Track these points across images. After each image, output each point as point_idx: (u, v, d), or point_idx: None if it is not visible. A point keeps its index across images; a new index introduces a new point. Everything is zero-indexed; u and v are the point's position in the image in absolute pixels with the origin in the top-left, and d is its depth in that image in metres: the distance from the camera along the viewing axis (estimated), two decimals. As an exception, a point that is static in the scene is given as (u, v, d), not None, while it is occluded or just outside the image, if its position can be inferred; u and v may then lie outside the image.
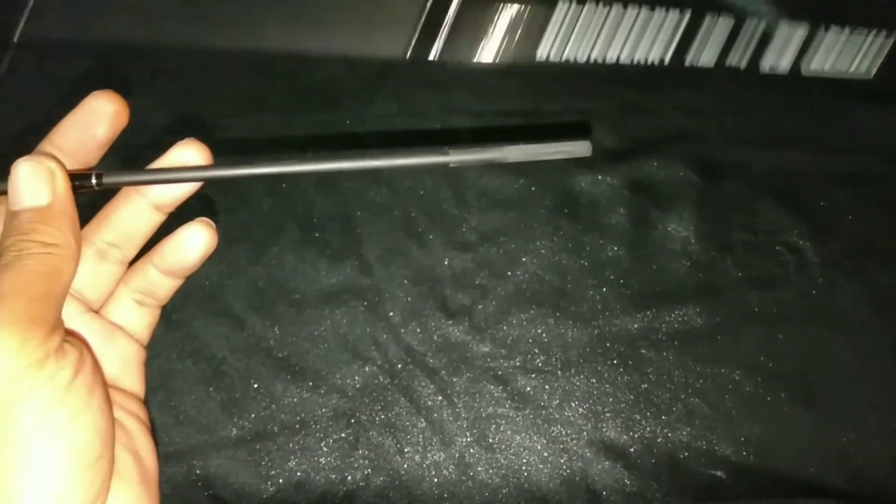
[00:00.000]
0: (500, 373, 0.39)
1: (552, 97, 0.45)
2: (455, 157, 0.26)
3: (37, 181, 0.25)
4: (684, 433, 0.38)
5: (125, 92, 0.45)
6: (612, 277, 0.41)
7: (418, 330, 0.40)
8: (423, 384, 0.39)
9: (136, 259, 0.30)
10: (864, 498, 0.37)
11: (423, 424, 0.38)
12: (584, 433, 0.38)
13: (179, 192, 0.29)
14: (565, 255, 0.41)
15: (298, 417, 0.38)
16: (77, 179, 0.26)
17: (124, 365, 0.29)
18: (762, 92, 0.45)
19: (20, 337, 0.22)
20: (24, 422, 0.22)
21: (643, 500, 0.37)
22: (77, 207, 0.26)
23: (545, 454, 0.38)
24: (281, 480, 0.37)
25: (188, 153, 0.28)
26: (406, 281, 0.40)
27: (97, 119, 0.28)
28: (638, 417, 0.38)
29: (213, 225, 0.29)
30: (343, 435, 0.38)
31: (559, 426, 0.38)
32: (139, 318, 0.30)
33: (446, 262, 0.41)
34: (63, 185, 0.26)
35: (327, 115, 0.44)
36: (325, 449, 0.37)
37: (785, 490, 0.37)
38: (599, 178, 0.43)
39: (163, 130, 0.43)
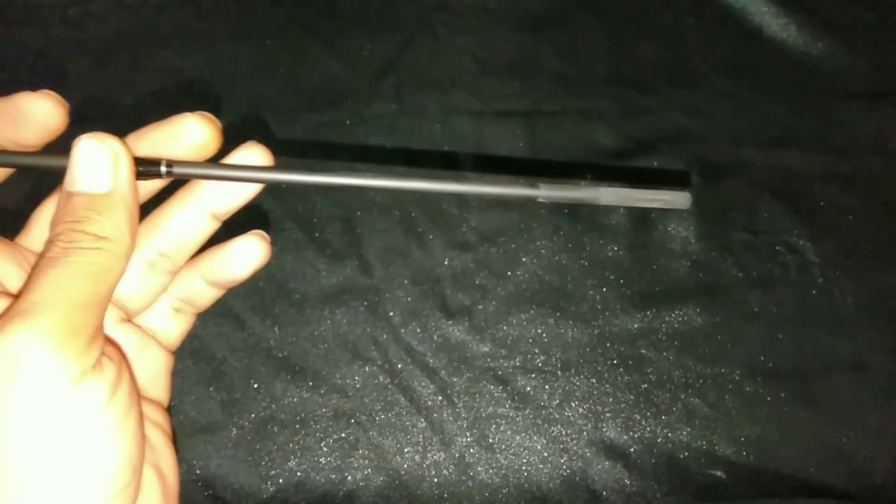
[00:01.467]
0: (500, 373, 0.39)
1: (552, 97, 0.45)
2: (545, 193, 0.25)
3: (99, 164, 0.23)
4: (684, 433, 0.38)
5: (125, 92, 0.45)
6: (612, 277, 0.41)
7: (418, 330, 0.40)
8: (423, 384, 0.39)
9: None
10: (864, 498, 0.37)
11: (423, 424, 0.38)
12: (584, 433, 0.38)
13: (240, 198, 0.27)
14: (565, 255, 0.41)
15: (298, 417, 0.38)
16: (143, 166, 0.24)
17: (154, 375, 0.28)
18: (762, 92, 0.45)
19: (57, 349, 0.20)
20: (51, 444, 0.21)
21: (643, 500, 0.37)
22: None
23: (545, 454, 0.38)
24: (281, 480, 0.37)
25: (252, 155, 0.26)
26: (406, 281, 0.40)
27: (27, 122, 0.24)
28: (638, 417, 0.38)
29: (268, 238, 0.27)
30: (343, 435, 0.38)
31: (559, 426, 0.38)
32: (174, 326, 0.29)
33: (446, 262, 0.41)
34: (127, 172, 0.23)
35: (327, 115, 0.44)
36: (325, 449, 0.37)
37: (785, 490, 0.37)
38: (599, 178, 0.43)
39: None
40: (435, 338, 0.39)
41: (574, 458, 0.38)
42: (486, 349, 0.39)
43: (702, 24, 0.47)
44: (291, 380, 0.38)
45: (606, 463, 0.37)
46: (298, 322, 0.39)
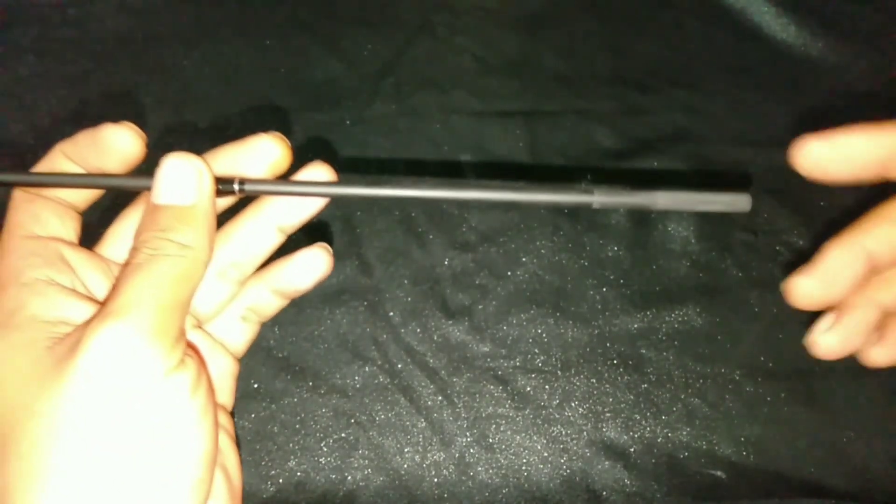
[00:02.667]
0: (500, 373, 0.39)
1: (552, 97, 0.45)
2: (599, 199, 0.25)
3: (184, 179, 0.25)
4: (684, 433, 0.38)
5: (125, 92, 0.45)
6: (612, 277, 0.41)
7: (418, 330, 0.40)
8: (423, 384, 0.39)
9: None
10: (864, 498, 0.37)
11: (423, 424, 0.38)
12: (584, 433, 0.38)
13: (306, 214, 0.29)
14: (565, 255, 0.41)
15: (298, 417, 0.38)
16: (220, 183, 0.26)
17: (220, 380, 0.29)
18: (762, 92, 0.45)
19: (149, 344, 0.22)
20: (136, 438, 0.22)
21: (643, 500, 0.37)
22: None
23: (545, 454, 0.38)
24: (281, 480, 0.37)
25: (317, 173, 0.28)
26: (406, 281, 0.40)
27: (109, 151, 0.27)
28: (638, 417, 0.38)
29: (331, 250, 0.29)
30: (343, 435, 0.38)
31: (559, 426, 0.38)
32: (240, 334, 0.30)
33: (446, 262, 0.41)
34: (209, 187, 0.25)
35: (327, 115, 0.44)
36: (325, 449, 0.37)
37: (785, 490, 0.37)
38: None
39: (163, 130, 0.43)
40: (435, 338, 0.39)
41: (574, 458, 0.38)
42: (486, 349, 0.39)
43: (702, 24, 0.47)
44: (291, 380, 0.38)
45: (606, 463, 0.38)
46: (298, 322, 0.39)
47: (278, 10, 0.47)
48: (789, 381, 0.39)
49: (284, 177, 0.28)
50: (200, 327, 0.29)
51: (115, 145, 0.26)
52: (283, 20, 0.46)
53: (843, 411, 0.38)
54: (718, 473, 0.37)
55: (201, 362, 0.25)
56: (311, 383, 0.38)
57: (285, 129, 0.43)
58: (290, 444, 0.37)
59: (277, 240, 0.29)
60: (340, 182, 0.27)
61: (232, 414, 0.30)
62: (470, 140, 0.43)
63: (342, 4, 0.47)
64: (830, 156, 0.25)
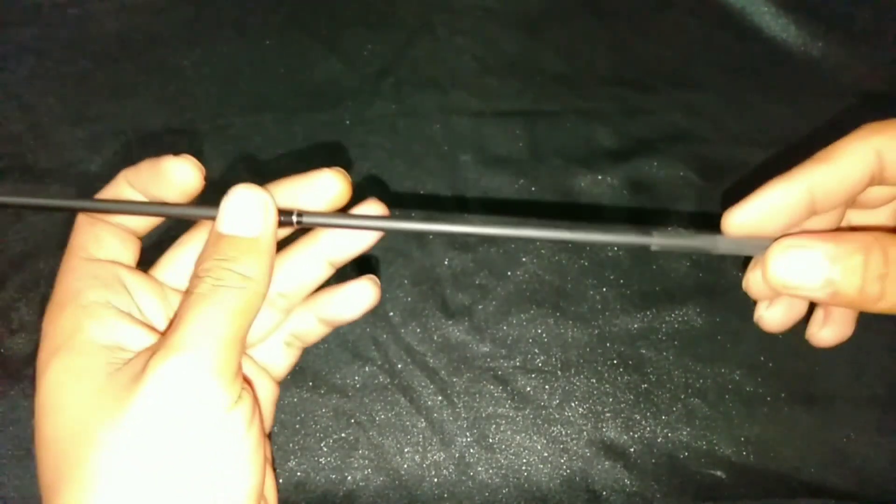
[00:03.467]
0: (500, 373, 0.39)
1: (552, 97, 0.45)
2: (658, 241, 0.25)
3: (251, 211, 0.25)
4: (684, 433, 0.38)
5: (125, 92, 0.45)
6: (612, 277, 0.41)
7: (418, 330, 0.40)
8: (423, 384, 0.39)
9: None
10: (864, 498, 0.37)
11: (423, 424, 0.38)
12: (584, 433, 0.38)
13: (357, 249, 0.29)
14: (565, 255, 0.41)
15: (298, 417, 0.38)
16: (280, 214, 0.26)
17: (264, 406, 0.29)
18: (762, 92, 0.45)
19: (214, 380, 0.22)
20: (194, 472, 0.22)
21: (643, 500, 0.37)
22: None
23: (545, 454, 0.38)
24: (281, 480, 0.37)
25: (371, 209, 0.28)
26: (406, 281, 0.40)
27: (169, 182, 0.27)
28: (638, 417, 0.38)
29: (378, 283, 0.29)
30: (343, 435, 0.38)
31: (559, 426, 0.38)
32: (283, 359, 0.30)
33: (446, 262, 0.41)
34: (273, 220, 0.25)
35: (327, 115, 0.44)
36: (325, 449, 0.37)
37: (785, 490, 0.37)
38: (599, 177, 0.43)
39: (163, 130, 0.43)
40: (435, 338, 0.39)
41: (574, 458, 0.38)
42: (486, 349, 0.39)
43: (702, 24, 0.47)
44: (291, 380, 0.38)
45: (606, 463, 0.37)
46: (298, 322, 0.39)
47: (278, 10, 0.47)
48: (789, 381, 0.39)
49: (341, 210, 0.28)
50: (246, 353, 0.29)
51: (176, 177, 0.26)
52: (283, 20, 0.46)
53: (843, 411, 0.38)
54: (718, 473, 0.37)
55: (255, 396, 0.25)
56: (311, 383, 0.38)
57: (285, 129, 0.43)
58: (290, 444, 0.37)
59: (327, 273, 0.30)
60: (394, 217, 0.28)
61: (270, 437, 0.30)
62: (470, 140, 0.43)
63: (342, 4, 0.47)
64: (756, 220, 0.25)
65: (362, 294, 0.29)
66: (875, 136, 0.24)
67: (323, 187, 0.28)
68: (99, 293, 0.25)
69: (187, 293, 0.24)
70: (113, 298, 0.25)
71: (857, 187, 0.24)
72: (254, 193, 0.25)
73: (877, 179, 0.24)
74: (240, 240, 0.25)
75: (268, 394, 0.30)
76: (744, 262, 0.41)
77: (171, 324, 0.24)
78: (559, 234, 0.25)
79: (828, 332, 0.29)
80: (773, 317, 0.29)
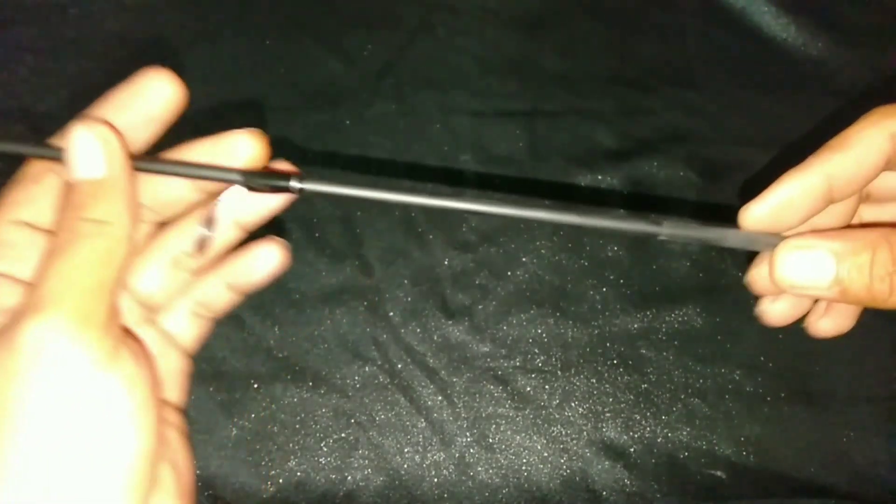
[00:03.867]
0: (500, 373, 0.39)
1: (552, 97, 0.45)
2: (668, 231, 0.25)
3: (91, 150, 0.23)
4: (684, 433, 0.38)
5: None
6: (612, 277, 0.41)
7: (418, 330, 0.40)
8: (423, 384, 0.39)
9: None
10: (864, 498, 0.37)
11: (423, 424, 0.38)
12: (584, 433, 0.38)
13: (265, 211, 0.28)
14: (565, 255, 0.41)
15: (298, 417, 0.38)
16: (274, 179, 0.25)
17: (171, 377, 0.29)
18: (762, 92, 0.45)
19: (72, 338, 0.21)
20: (74, 432, 0.21)
21: (643, 500, 0.37)
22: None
23: (545, 454, 0.38)
24: (281, 480, 0.37)
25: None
26: (406, 281, 0.40)
27: (151, 101, 0.26)
28: (638, 417, 0.38)
29: (287, 244, 0.28)
30: (343, 435, 0.38)
31: (559, 426, 0.38)
32: (192, 330, 0.29)
33: (446, 262, 0.41)
34: (118, 156, 0.24)
35: (327, 115, 0.44)
36: (325, 449, 0.37)
37: (785, 490, 0.37)
38: (599, 178, 0.43)
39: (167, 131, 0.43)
40: (435, 338, 0.39)
41: (574, 458, 0.38)
42: (486, 349, 0.39)
43: (702, 24, 0.47)
44: (291, 380, 0.38)
45: (606, 463, 0.37)
46: (298, 322, 0.39)
47: (278, 10, 0.46)
48: (789, 381, 0.39)
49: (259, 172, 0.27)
50: (152, 321, 0.28)
51: (154, 92, 0.26)
52: (283, 20, 0.46)
53: (843, 411, 0.38)
54: (718, 473, 0.37)
55: (143, 354, 0.24)
56: (311, 383, 0.38)
57: (285, 128, 0.43)
58: (290, 444, 0.37)
59: (237, 236, 0.28)
60: (387, 187, 0.27)
61: (184, 412, 0.29)
62: (470, 140, 0.43)
63: (342, 4, 0.47)
64: (775, 214, 0.25)
65: (268, 257, 0.28)
66: (887, 119, 0.24)
67: (237, 149, 0.27)
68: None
69: (45, 250, 0.23)
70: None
71: (874, 172, 0.24)
72: (90, 130, 0.24)
73: (893, 163, 0.24)
74: (87, 184, 0.23)
75: (176, 366, 0.29)
76: (747, 260, 0.41)
77: (31, 283, 0.23)
78: (567, 218, 0.25)
79: (827, 322, 0.29)
80: (777, 311, 0.29)
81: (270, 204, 0.28)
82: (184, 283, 0.28)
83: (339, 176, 0.42)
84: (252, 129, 0.27)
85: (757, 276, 0.28)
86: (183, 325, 0.29)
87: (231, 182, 0.26)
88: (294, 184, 0.25)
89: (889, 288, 0.23)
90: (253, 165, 0.27)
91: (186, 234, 0.28)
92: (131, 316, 0.27)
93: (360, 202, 0.42)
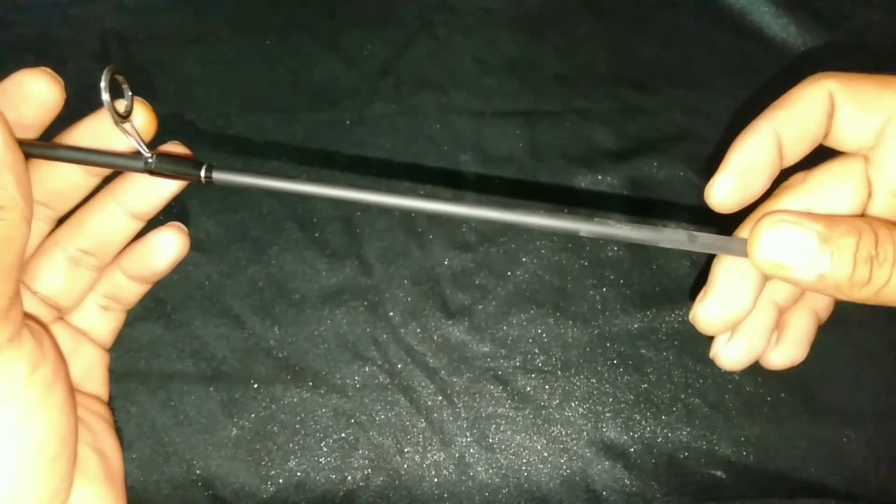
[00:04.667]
0: (500, 373, 0.39)
1: (552, 97, 0.45)
2: (702, 241, 0.24)
3: None
4: (684, 433, 0.38)
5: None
6: (612, 277, 0.41)
7: (418, 330, 0.40)
8: (423, 384, 0.39)
9: None
10: (864, 498, 0.37)
11: (423, 424, 0.38)
12: (584, 433, 0.38)
13: (158, 200, 0.27)
14: (565, 255, 0.41)
15: (298, 417, 0.38)
16: (185, 167, 0.24)
17: (88, 370, 0.29)
18: (762, 92, 0.45)
19: None
20: None
21: (643, 500, 0.37)
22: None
23: (545, 454, 0.38)
24: (281, 480, 0.37)
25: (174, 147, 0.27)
26: (406, 281, 0.40)
27: (24, 98, 0.25)
28: (638, 417, 0.38)
29: (185, 230, 0.28)
30: (343, 435, 0.38)
31: (559, 426, 0.38)
32: (104, 324, 0.29)
33: (446, 262, 0.41)
34: (4, 136, 0.23)
35: (327, 115, 0.44)
36: (325, 449, 0.37)
37: (785, 490, 0.37)
38: (599, 178, 0.43)
39: (162, 130, 0.43)
40: (435, 338, 0.39)
41: (574, 458, 0.38)
42: (486, 349, 0.39)
43: (702, 24, 0.47)
44: (291, 380, 0.38)
45: (606, 463, 0.38)
46: (298, 322, 0.39)
47: (278, 10, 0.47)
48: (789, 381, 0.39)
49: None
50: (63, 319, 0.28)
51: (31, 92, 0.25)
52: (283, 20, 0.46)
53: (843, 411, 0.38)
54: (718, 473, 0.37)
55: (46, 338, 0.24)
56: (311, 383, 0.38)
57: (285, 129, 0.43)
58: (290, 444, 0.37)
59: (132, 226, 0.28)
60: (302, 181, 0.26)
61: (109, 404, 0.29)
62: (470, 140, 0.43)
63: (342, 4, 0.47)
64: (741, 182, 0.25)
65: (166, 245, 0.28)
66: (825, 79, 0.24)
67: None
68: None
69: None
70: None
71: (817, 128, 0.24)
72: None
73: (831, 123, 0.24)
74: None
75: (93, 360, 0.29)
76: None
77: None
78: (578, 226, 0.24)
79: (780, 353, 0.28)
80: (732, 352, 0.27)
81: (161, 193, 0.27)
82: (88, 280, 0.28)
83: (338, 176, 0.42)
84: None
85: (703, 311, 0.26)
86: (94, 321, 0.29)
87: (133, 169, 0.24)
88: (202, 173, 0.24)
89: (867, 275, 0.22)
90: (160, 150, 0.26)
91: (82, 230, 0.27)
92: (41, 317, 0.27)
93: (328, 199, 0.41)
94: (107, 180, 0.29)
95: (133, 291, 0.29)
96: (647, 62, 0.46)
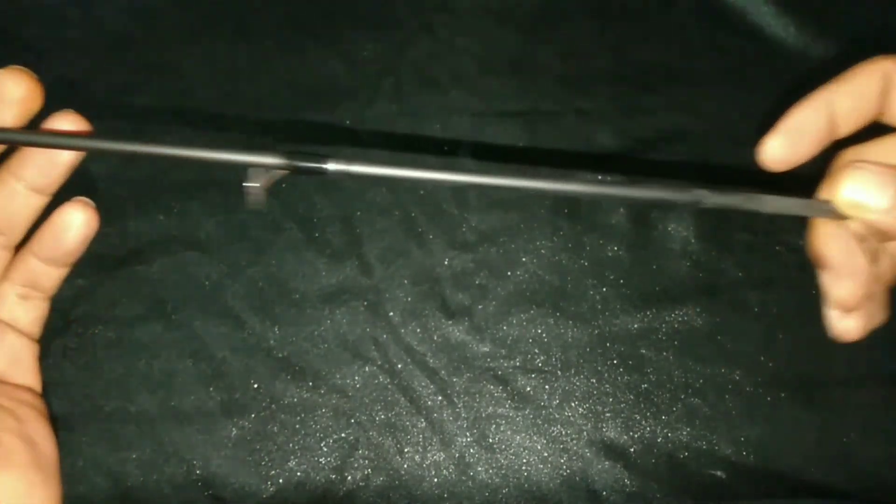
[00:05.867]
0: (500, 373, 0.39)
1: (552, 97, 0.45)
2: (710, 200, 0.26)
3: None
4: (684, 433, 0.38)
5: (125, 92, 0.45)
6: (612, 277, 0.41)
7: (418, 330, 0.40)
8: (423, 384, 0.39)
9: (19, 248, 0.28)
10: (865, 498, 0.37)
11: (423, 424, 0.38)
12: (584, 433, 0.38)
13: (55, 172, 0.26)
14: (565, 255, 0.41)
15: (298, 417, 0.38)
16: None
17: (15, 361, 0.28)
18: (762, 92, 0.45)
19: None
20: None
21: (643, 500, 0.37)
22: None
23: (545, 454, 0.38)
24: (281, 480, 0.37)
25: (63, 123, 0.26)
26: (406, 281, 0.40)
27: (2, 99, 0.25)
28: (638, 417, 0.38)
29: (92, 204, 0.27)
30: (343, 435, 0.38)
31: (559, 426, 0.38)
32: (25, 313, 0.28)
33: (446, 262, 0.41)
34: None
35: (327, 115, 0.44)
36: (325, 449, 0.37)
37: (785, 490, 0.37)
38: (599, 178, 0.43)
39: (162, 131, 0.43)
40: (435, 338, 0.39)
41: (574, 458, 0.38)
42: (486, 349, 0.39)
43: (702, 24, 0.47)
44: (291, 380, 0.38)
45: (606, 463, 0.37)
46: (298, 322, 0.39)
47: (278, 10, 0.46)
48: (789, 381, 0.39)
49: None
50: None
51: (7, 92, 0.25)
52: (282, 20, 0.46)
53: (844, 411, 0.38)
54: (718, 473, 0.37)
55: None
56: (311, 383, 0.38)
57: (285, 128, 0.43)
58: (290, 444, 0.37)
59: (36, 202, 0.27)
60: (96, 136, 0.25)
61: (42, 394, 0.29)
62: (470, 140, 0.43)
63: (342, 4, 0.47)
64: (790, 144, 0.28)
65: (72, 221, 0.27)
66: (882, 62, 0.27)
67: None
68: None
69: None
70: None
71: (871, 104, 0.27)
72: None
73: (886, 102, 0.27)
74: None
75: (18, 350, 0.28)
76: (747, 258, 0.41)
77: None
78: (585, 189, 0.24)
79: (853, 320, 0.29)
80: (850, 325, 0.29)
81: (62, 161, 0.26)
82: (2, 261, 0.27)
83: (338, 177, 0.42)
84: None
85: (824, 233, 0.28)
86: (15, 311, 0.28)
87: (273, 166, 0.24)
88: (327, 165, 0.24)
89: None
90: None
91: None
92: None
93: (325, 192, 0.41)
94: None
95: (50, 276, 0.28)
96: (647, 62, 0.46)
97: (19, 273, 0.28)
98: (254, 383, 0.38)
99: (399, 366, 0.39)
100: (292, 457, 0.37)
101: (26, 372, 0.29)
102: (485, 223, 0.42)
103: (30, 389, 0.29)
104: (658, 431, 0.38)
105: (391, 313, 0.40)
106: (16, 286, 0.28)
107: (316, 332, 0.39)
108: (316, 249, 0.41)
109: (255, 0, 0.47)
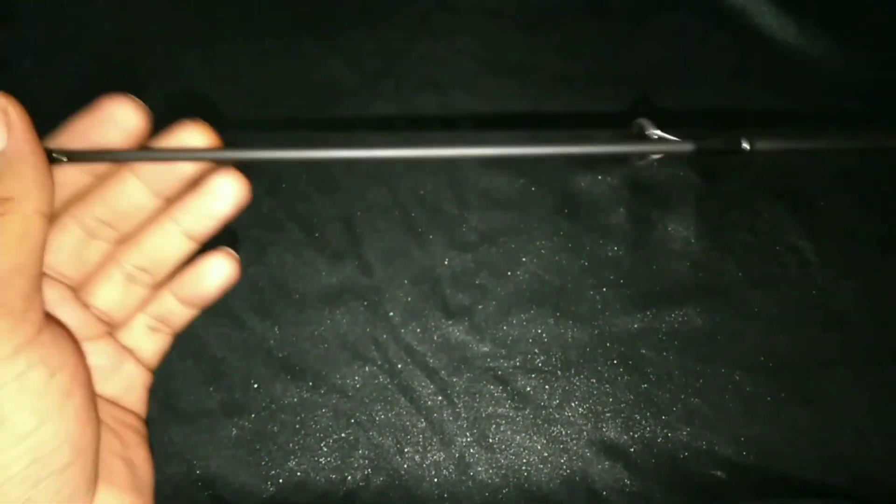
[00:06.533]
0: (500, 373, 0.39)
1: (552, 97, 0.45)
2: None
3: None
4: (684, 433, 0.38)
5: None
6: (612, 277, 0.41)
7: (418, 330, 0.40)
8: (423, 384, 0.39)
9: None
10: (864, 498, 0.37)
11: (423, 424, 0.38)
12: (584, 433, 0.38)
13: (211, 221, 0.27)
14: (565, 255, 0.41)
15: (298, 417, 0.38)
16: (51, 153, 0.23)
17: (129, 389, 0.29)
18: (762, 92, 0.45)
19: None
20: None
21: (643, 500, 0.37)
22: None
23: (545, 454, 0.38)
24: (281, 480, 0.37)
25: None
26: (406, 281, 0.40)
27: (114, 127, 0.25)
28: (638, 417, 0.38)
29: (236, 256, 0.28)
30: (343, 435, 0.38)
31: (559, 426, 0.38)
32: (150, 344, 0.29)
33: (446, 262, 0.41)
34: (20, 125, 0.22)
35: (327, 115, 0.44)
36: (325, 449, 0.37)
37: (785, 490, 0.37)
38: (599, 178, 0.43)
39: (161, 131, 0.43)
40: (435, 338, 0.39)
41: (574, 458, 0.38)
42: (486, 349, 0.39)
43: (702, 24, 0.47)
44: (291, 380, 0.38)
45: (606, 463, 0.38)
46: (298, 322, 0.39)
47: (278, 10, 0.46)
48: (789, 381, 0.39)
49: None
50: (111, 335, 0.28)
51: (116, 119, 0.25)
52: (283, 20, 0.46)
53: (843, 411, 0.38)
54: (718, 473, 0.37)
55: (68, 343, 0.24)
56: (311, 383, 0.38)
57: (285, 128, 0.43)
58: (290, 444, 0.37)
59: (186, 246, 0.28)
60: (221, 148, 0.25)
61: (146, 423, 0.29)
62: (470, 140, 0.43)
63: (342, 4, 0.47)
64: None
65: (216, 270, 0.27)
66: None
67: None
68: None
69: None
70: None
71: None
72: None
73: None
74: None
75: (135, 378, 0.28)
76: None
77: None
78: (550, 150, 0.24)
79: None
80: None
81: (219, 213, 0.27)
82: (141, 297, 0.28)
83: (337, 176, 0.42)
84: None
85: None
86: (141, 340, 0.29)
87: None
88: (58, 157, 0.23)
89: None
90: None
91: (139, 247, 0.27)
92: (89, 330, 0.27)
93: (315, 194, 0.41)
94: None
95: (182, 315, 0.29)
96: (647, 62, 0.46)
97: (155, 306, 0.29)
98: (254, 383, 0.38)
99: (399, 366, 0.39)
100: (292, 457, 0.37)
101: (137, 399, 0.29)
102: (485, 223, 0.42)
103: (137, 415, 0.29)
104: (658, 431, 0.38)
105: (391, 313, 0.40)
106: (149, 318, 0.29)
107: (316, 332, 0.39)
108: (316, 249, 0.41)
109: (255, 0, 0.47)
